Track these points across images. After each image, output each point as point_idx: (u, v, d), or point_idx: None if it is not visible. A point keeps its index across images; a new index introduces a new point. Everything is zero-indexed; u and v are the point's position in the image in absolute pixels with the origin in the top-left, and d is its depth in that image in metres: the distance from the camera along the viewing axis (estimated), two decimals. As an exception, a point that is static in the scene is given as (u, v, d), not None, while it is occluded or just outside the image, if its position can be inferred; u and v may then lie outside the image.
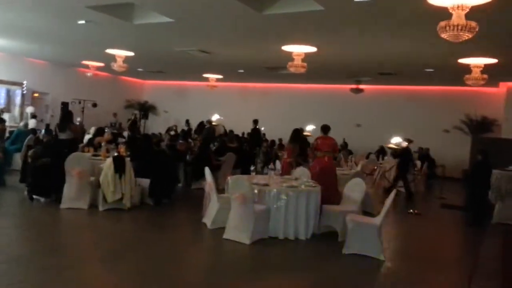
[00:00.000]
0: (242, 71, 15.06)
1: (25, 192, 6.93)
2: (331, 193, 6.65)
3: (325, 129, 7.42)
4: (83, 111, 17.86)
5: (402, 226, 7.59)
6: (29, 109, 16.07)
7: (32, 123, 14.85)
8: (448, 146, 15.17)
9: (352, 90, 15.30)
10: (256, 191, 5.58)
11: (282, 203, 5.58)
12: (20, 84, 16.47)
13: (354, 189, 6.15)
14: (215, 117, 10.90)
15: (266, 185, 5.78)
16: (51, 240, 5.16)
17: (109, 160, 6.52)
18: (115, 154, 7.14)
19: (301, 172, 6.96)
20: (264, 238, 5.55)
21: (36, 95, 17.43)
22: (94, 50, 12.79)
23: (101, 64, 15.15)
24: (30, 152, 6.91)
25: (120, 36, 10.41)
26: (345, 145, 14.43)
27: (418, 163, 12.43)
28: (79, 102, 17.97)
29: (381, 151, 14.67)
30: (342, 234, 5.67)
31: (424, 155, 13.82)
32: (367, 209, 7.35)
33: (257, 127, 12.63)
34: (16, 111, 16.77)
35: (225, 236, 5.47)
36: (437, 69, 11.93)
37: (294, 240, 5.65)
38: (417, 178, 10.40)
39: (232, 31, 9.00)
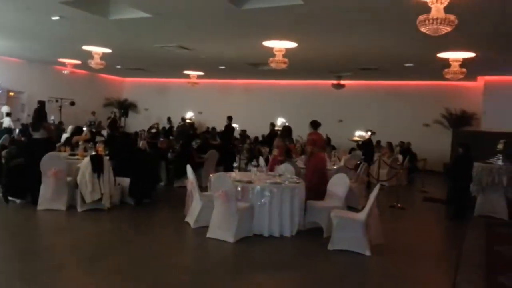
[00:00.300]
0: (223, 67, 14.90)
1: (0, 194, 6.65)
2: (325, 188, 6.64)
3: (316, 125, 7.38)
4: (60, 110, 17.45)
5: (386, 220, 7.59)
6: (4, 108, 15.58)
7: (6, 122, 14.40)
8: (429, 140, 15.35)
9: (334, 85, 15.33)
10: (239, 188, 5.48)
11: (266, 200, 5.49)
12: (-7, 83, 15.95)
13: (338, 184, 6.10)
14: (189, 114, 10.79)
15: (250, 182, 5.67)
16: (26, 243, 4.93)
17: (86, 159, 6.31)
18: (93, 153, 6.95)
19: (285, 168, 6.87)
20: (249, 236, 5.45)
21: (11, 94, 16.93)
22: (70, 47, 12.47)
23: (78, 62, 14.79)
24: (3, 152, 6.63)
25: (96, 32, 10.15)
26: (328, 140, 14.40)
27: (400, 157, 12.55)
28: (56, 101, 17.55)
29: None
30: (327, 230, 5.62)
31: (406, 149, 13.96)
32: (351, 204, 7.35)
33: (231, 124, 12.52)
34: (-10, 110, 16.22)
35: (208, 235, 5.35)
36: (417, 64, 12.02)
37: (279, 237, 5.57)
38: (399, 172, 10.48)
39: (211, 27, 8.85)
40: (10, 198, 6.48)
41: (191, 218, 5.91)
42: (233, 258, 4.94)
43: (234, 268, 4.66)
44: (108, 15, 8.60)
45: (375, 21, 7.63)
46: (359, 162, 9.33)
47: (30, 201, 6.48)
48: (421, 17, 5.36)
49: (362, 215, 5.15)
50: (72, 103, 17.79)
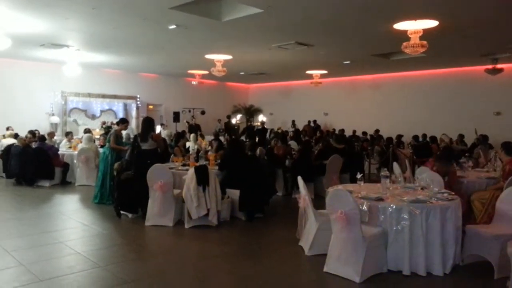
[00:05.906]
0: (348, 62, 13.47)
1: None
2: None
3: None
4: (192, 119, 18.28)
5: None
6: (145, 121, 16.82)
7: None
8: None
9: (488, 70, 12.53)
10: (365, 207, 4.12)
11: (404, 225, 4.03)
12: (134, 98, 17.42)
13: (514, 202, 4.27)
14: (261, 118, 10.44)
15: (380, 199, 4.28)
16: (124, 268, 4.41)
17: (191, 171, 5.69)
18: (203, 163, 6.41)
19: (429, 178, 5.19)
20: (382, 273, 4.07)
21: (150, 107, 18.34)
22: (193, 57, 12.77)
23: (205, 72, 15.11)
24: (116, 165, 6.50)
25: (212, 38, 9.95)
26: (482, 138, 11.53)
27: None
28: (189, 111, 18.48)
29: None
30: (500, 269, 3.90)
31: None
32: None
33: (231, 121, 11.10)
34: (133, 123, 17.74)
35: (326, 269, 4.11)
36: None
37: (427, 277, 4.02)
38: None
39: (330, 14, 7.65)
40: (122, 212, 6.29)
41: (305, 242, 4.77)
42: (359, 305, 3.65)
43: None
44: (220, 16, 8.22)
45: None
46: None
47: (141, 215, 6.17)
48: None
49: (562, 253, 3.35)
50: (203, 112, 18.50)
